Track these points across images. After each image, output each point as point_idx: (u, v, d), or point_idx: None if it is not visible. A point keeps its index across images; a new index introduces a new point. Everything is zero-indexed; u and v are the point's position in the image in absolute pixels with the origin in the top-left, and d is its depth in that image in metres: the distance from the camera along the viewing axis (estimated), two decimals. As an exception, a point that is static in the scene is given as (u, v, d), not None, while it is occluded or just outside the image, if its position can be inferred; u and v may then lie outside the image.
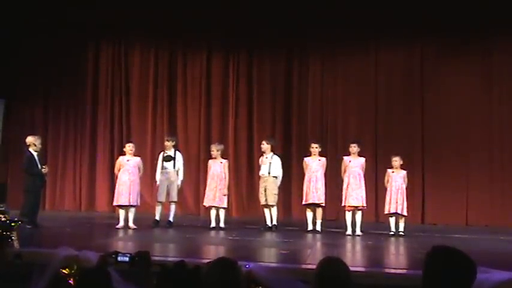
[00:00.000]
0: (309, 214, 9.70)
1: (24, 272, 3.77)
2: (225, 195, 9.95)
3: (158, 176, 10.14)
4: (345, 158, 9.72)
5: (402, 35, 11.98)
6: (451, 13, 11.35)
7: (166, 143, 10.29)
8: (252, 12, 12.00)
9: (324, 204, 9.70)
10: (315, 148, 9.86)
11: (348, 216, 9.47)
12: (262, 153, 10.21)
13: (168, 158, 10.12)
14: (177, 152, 10.32)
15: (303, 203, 9.82)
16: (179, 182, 10.21)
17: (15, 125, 12.90)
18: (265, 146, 10.08)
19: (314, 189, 9.62)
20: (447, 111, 11.74)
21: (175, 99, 13.09)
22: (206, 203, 9.97)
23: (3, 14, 12.07)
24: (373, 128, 12.15)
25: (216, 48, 12.99)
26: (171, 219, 10.04)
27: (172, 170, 10.11)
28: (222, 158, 10.18)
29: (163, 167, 10.12)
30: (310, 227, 9.63)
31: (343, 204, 9.60)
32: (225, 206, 10.02)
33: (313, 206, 9.69)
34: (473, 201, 11.54)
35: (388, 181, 9.51)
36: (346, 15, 11.72)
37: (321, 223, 9.67)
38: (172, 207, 10.15)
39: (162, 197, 10.05)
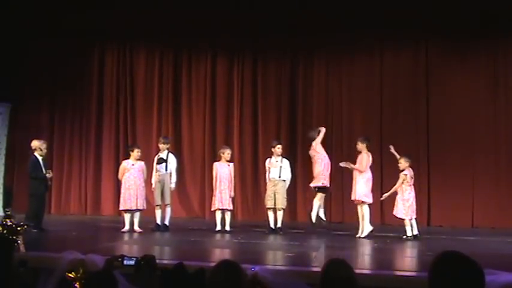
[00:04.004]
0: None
1: (31, 278, 3.78)
2: (232, 197, 10.07)
3: (154, 179, 10.15)
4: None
5: (407, 36, 11.96)
6: (455, 14, 11.32)
7: (161, 146, 10.29)
8: (257, 14, 11.98)
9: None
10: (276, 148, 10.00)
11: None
12: (269, 156, 10.22)
13: (160, 161, 10.11)
14: (170, 154, 10.28)
15: None
16: (172, 185, 10.18)
17: (21, 129, 12.91)
18: (281, 149, 10.12)
19: None
20: (453, 112, 11.70)
21: (180, 101, 13.10)
22: (219, 205, 9.89)
23: (8, 19, 12.13)
24: (378, 129, 12.11)
25: (220, 50, 13.00)
26: (166, 222, 10.02)
27: (165, 173, 10.08)
28: (228, 161, 10.20)
29: (157, 170, 10.14)
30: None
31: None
32: (232, 208, 10.10)
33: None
34: (479, 203, 11.49)
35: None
36: (350, 18, 11.70)
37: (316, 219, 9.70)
38: (168, 210, 10.09)
39: (158, 200, 10.04)
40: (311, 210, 9.86)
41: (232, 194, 10.13)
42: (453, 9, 11.22)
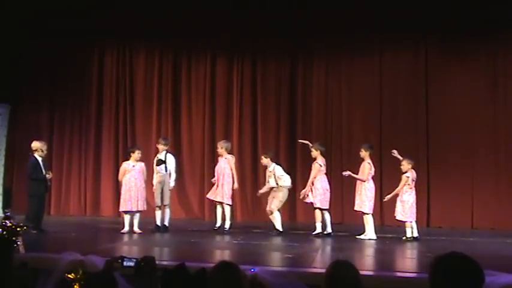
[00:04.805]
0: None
1: (31, 279, 3.79)
2: (230, 190, 10.10)
3: (155, 180, 10.17)
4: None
5: (407, 37, 11.95)
6: (455, 15, 11.32)
7: (160, 147, 10.30)
8: (257, 14, 11.99)
9: None
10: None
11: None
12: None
13: (159, 162, 10.12)
14: (168, 154, 10.27)
15: None
16: (171, 183, 10.18)
17: (21, 130, 12.90)
18: (264, 160, 10.10)
19: None
20: (452, 113, 11.69)
21: (179, 101, 13.08)
22: (209, 195, 10.26)
23: (7, 19, 12.12)
24: (378, 129, 12.11)
25: (220, 50, 12.97)
26: (166, 223, 10.02)
27: (164, 173, 10.09)
28: (229, 153, 10.28)
29: (157, 172, 10.15)
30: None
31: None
32: (230, 203, 10.12)
33: None
34: (479, 204, 11.47)
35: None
36: (350, 18, 11.69)
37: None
38: (167, 211, 10.09)
39: (158, 201, 10.05)
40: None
41: (236, 185, 10.16)
42: (453, 9, 11.22)
